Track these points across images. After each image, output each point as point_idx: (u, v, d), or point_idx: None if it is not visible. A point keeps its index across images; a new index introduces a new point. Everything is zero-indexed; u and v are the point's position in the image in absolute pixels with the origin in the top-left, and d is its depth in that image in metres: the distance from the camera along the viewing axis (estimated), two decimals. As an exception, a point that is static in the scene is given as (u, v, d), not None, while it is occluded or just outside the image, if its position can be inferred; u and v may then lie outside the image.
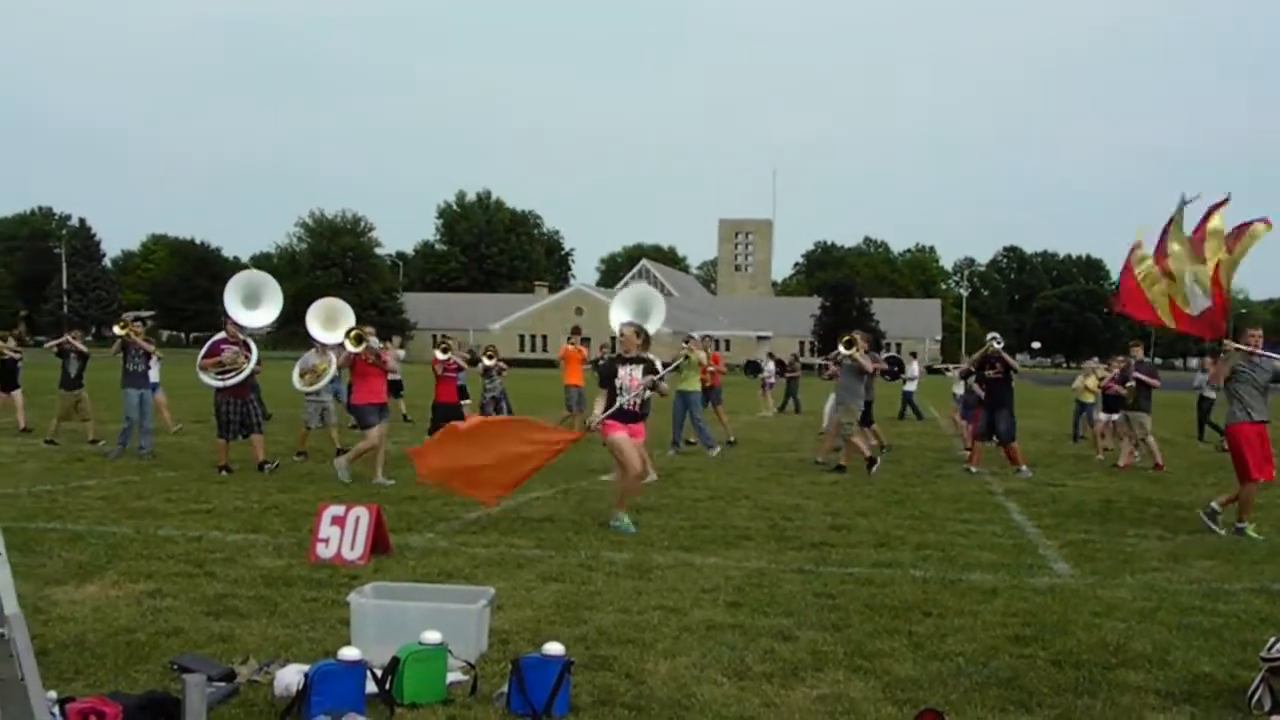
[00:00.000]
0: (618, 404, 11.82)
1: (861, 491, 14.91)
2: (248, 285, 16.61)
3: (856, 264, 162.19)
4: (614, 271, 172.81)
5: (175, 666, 6.01)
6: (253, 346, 15.88)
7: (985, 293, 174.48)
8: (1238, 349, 12.15)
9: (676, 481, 15.56)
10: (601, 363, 13.66)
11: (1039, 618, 7.88)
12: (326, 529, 9.30)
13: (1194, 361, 26.75)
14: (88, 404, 19.69)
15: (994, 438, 17.80)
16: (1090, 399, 23.68)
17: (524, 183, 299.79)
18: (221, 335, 15.97)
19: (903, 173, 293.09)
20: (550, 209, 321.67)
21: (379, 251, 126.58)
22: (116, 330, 17.56)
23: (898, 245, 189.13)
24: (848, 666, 6.55)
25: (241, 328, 16.04)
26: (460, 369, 18.30)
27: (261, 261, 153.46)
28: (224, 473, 15.25)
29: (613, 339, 16.86)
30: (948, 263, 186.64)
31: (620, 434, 11.84)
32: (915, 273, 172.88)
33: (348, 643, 6.10)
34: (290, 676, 5.79)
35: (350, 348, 14.78)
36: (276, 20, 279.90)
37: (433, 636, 5.90)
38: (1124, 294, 12.92)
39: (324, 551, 9.22)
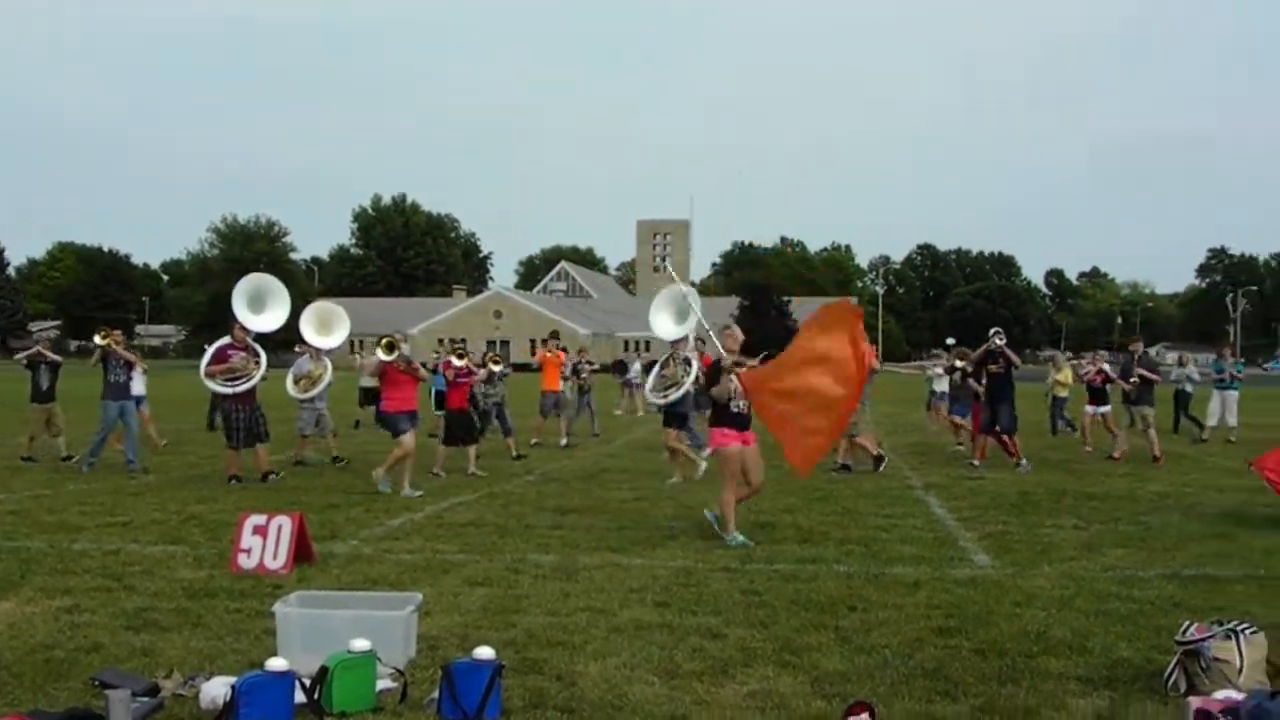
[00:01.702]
0: (730, 409, 11.12)
1: (785, 489, 14.96)
2: (254, 289, 16.18)
3: (774, 264, 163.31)
4: (532, 274, 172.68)
5: (97, 682, 5.92)
6: (261, 352, 15.61)
7: (901, 290, 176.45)
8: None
9: (601, 483, 15.58)
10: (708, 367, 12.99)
11: (961, 609, 8.00)
12: (248, 539, 9.19)
13: (1171, 356, 27.29)
14: (60, 418, 18.71)
15: (995, 430, 18.10)
16: (1064, 393, 24.07)
17: (441, 186, 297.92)
18: (227, 340, 15.67)
19: (818, 173, 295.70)
20: (467, 212, 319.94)
21: (294, 256, 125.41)
22: (97, 340, 16.83)
23: (814, 244, 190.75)
24: (776, 662, 6.61)
25: (249, 332, 15.70)
26: (473, 374, 18.04)
27: (172, 268, 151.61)
28: (234, 482, 14.99)
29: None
30: (864, 261, 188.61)
31: (735, 445, 11.07)
32: (832, 271, 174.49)
33: (274, 653, 6.05)
34: (216, 689, 5.72)
35: (382, 355, 14.49)
36: (188, 20, 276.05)
37: (361, 644, 5.86)
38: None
39: (246, 562, 9.11)
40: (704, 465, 16.01)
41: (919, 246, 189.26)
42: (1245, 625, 6.19)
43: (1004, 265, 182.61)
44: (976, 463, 18.03)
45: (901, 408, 34.88)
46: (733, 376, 11.00)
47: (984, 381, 18.54)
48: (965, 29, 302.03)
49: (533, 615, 7.74)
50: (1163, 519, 12.51)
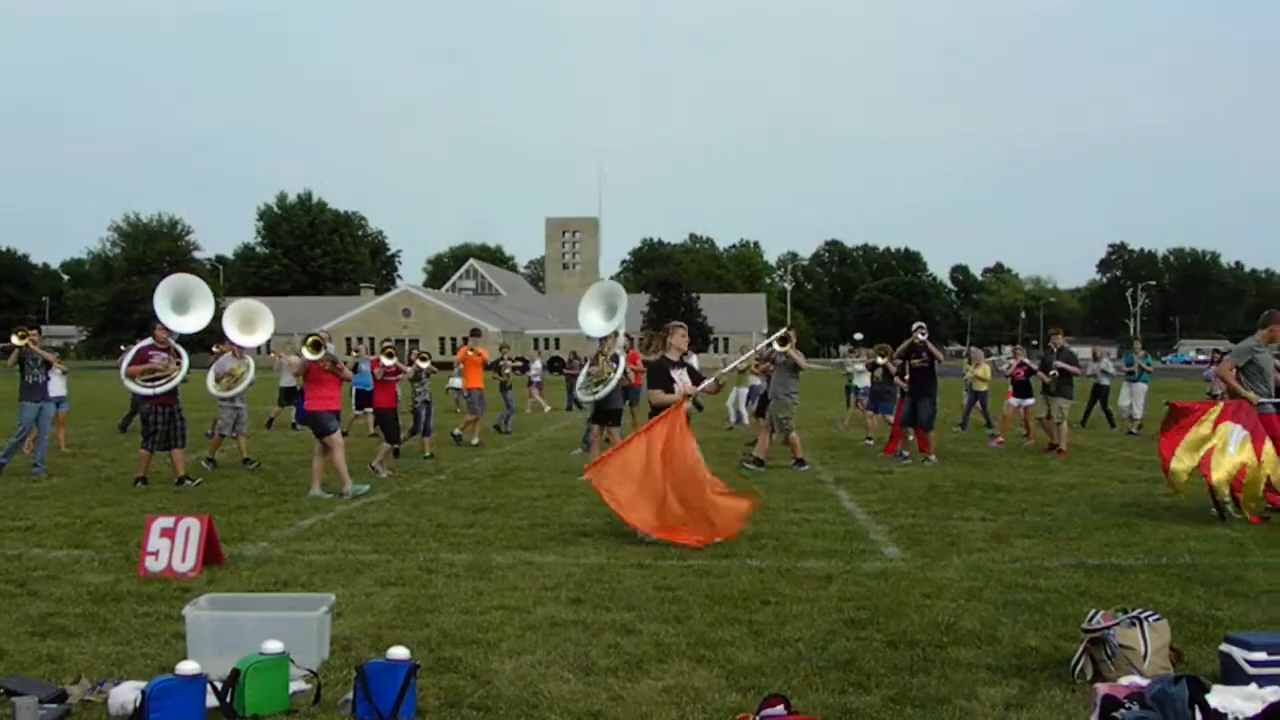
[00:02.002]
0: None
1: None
2: (178, 290, 15.72)
3: (683, 260, 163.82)
4: (441, 272, 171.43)
5: (3, 690, 5.79)
6: (183, 353, 15.31)
7: (809, 286, 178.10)
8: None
9: (513, 481, 15.53)
10: (650, 362, 12.90)
11: (873, 601, 8.09)
12: (155, 542, 9.04)
13: (1085, 351, 27.72)
14: None
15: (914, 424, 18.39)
16: (983, 387, 24.39)
17: (347, 183, 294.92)
18: (149, 341, 15.34)
19: (727, 170, 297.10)
20: (375, 210, 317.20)
21: (198, 255, 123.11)
22: (15, 340, 16.48)
23: (723, 241, 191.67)
24: (691, 657, 6.64)
25: (171, 333, 15.37)
26: (401, 372, 17.84)
27: (73, 267, 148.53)
28: (140, 484, 14.71)
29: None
30: (772, 257, 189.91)
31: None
32: (740, 268, 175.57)
33: (184, 657, 5.95)
34: (126, 694, 5.63)
35: (308, 355, 14.22)
36: (88, 15, 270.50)
37: (274, 646, 5.79)
38: None
39: (154, 565, 8.97)
40: None
41: (827, 243, 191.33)
42: (1149, 613, 6.34)
43: (910, 261, 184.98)
44: (907, 455, 18.19)
45: (816, 402, 35.17)
46: (678, 384, 11.16)
47: (907, 375, 18.77)
48: (873, 28, 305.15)
49: (446, 614, 7.71)
50: (1068, 510, 12.74)
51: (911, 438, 18.61)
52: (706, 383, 11.83)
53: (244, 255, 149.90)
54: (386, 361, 17.01)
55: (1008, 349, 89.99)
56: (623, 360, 16.25)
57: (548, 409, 33.86)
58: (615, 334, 16.66)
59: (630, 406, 22.18)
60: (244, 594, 7.70)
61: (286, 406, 25.70)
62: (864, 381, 25.71)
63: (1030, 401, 21.73)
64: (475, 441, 21.45)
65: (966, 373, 25.61)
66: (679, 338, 11.73)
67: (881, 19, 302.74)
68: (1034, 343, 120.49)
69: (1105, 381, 26.27)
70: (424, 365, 19.76)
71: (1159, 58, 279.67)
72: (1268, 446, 11.75)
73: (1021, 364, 22.29)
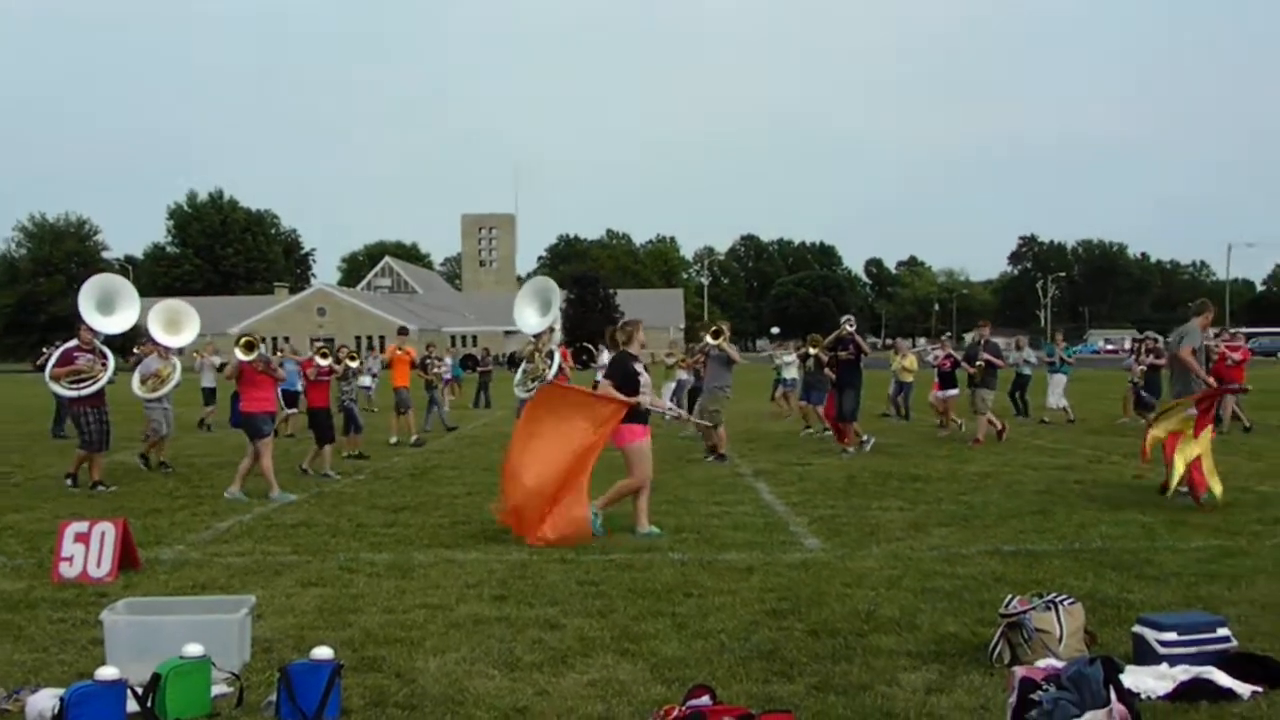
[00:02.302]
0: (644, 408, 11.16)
1: (615, 480, 15.06)
2: (103, 290, 15.54)
3: (600, 256, 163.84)
4: (356, 270, 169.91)
5: (-85, 700, 5.69)
6: (109, 354, 15.07)
7: (725, 281, 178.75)
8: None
9: (432, 480, 15.45)
10: (612, 358, 12.87)
11: (794, 591, 8.17)
12: (70, 547, 8.88)
13: (1003, 342, 27.97)
14: None
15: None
16: (909, 378, 24.61)
17: (259, 182, 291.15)
18: (74, 343, 15.05)
19: (644, 167, 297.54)
20: (288, 208, 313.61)
21: (106, 256, 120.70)
22: None
23: (640, 237, 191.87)
24: (615, 650, 6.66)
25: (96, 334, 15.12)
26: (333, 372, 17.51)
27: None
28: (99, 489, 14.53)
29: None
30: (688, 252, 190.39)
31: (644, 441, 11.17)
32: (657, 263, 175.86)
33: (102, 663, 5.86)
34: (44, 702, 5.54)
35: (241, 355, 13.93)
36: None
37: (194, 649, 5.73)
38: None
39: (68, 570, 8.81)
40: None
41: (742, 238, 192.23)
42: (1063, 597, 6.47)
43: (826, 255, 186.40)
44: (850, 449, 18.30)
45: (741, 394, 35.30)
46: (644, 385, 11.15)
47: (835, 367, 18.95)
48: (794, 29, 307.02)
49: (369, 614, 7.67)
50: (984, 498, 12.93)
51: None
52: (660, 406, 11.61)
53: (154, 255, 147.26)
54: (321, 362, 16.76)
55: (921, 340, 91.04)
56: (557, 356, 16.24)
57: (464, 405, 33.66)
58: (551, 330, 16.66)
59: None
60: (162, 598, 7.61)
61: (210, 406, 25.39)
62: (792, 373, 25.97)
63: (954, 392, 22.04)
64: (393, 440, 21.24)
65: (893, 363, 25.89)
66: (641, 333, 11.65)
67: (795, 18, 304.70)
68: (948, 335, 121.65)
69: (1027, 371, 26.56)
70: (353, 365, 19.52)
71: (1065, 57, 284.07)
72: (1207, 430, 12.03)
73: (949, 355, 22.59)
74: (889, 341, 72.35)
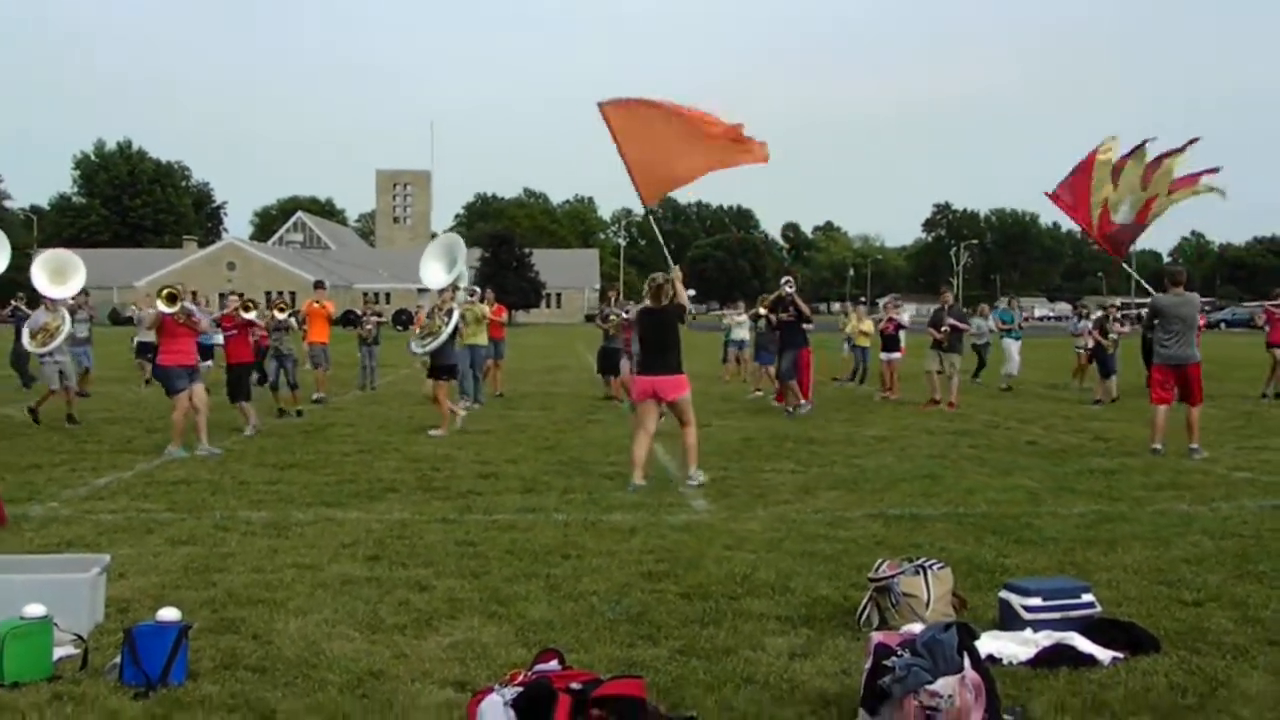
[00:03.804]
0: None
1: (513, 439, 14.97)
2: (53, 262, 16.02)
3: (517, 215, 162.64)
4: (268, 225, 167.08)
5: None
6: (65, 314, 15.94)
7: (643, 242, 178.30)
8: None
9: (325, 437, 15.18)
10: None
11: (673, 553, 8.09)
12: (-71, 502, 8.60)
13: (909, 309, 27.79)
14: None
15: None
16: (867, 343, 24.57)
17: (169, 132, 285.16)
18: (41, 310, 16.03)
19: (562, 125, 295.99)
20: (199, 160, 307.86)
21: (9, 205, 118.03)
22: None
23: (557, 197, 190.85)
24: (483, 612, 6.54)
25: (55, 301, 15.87)
26: (254, 326, 16.79)
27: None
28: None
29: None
30: (606, 213, 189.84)
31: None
32: (574, 223, 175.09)
33: (-58, 622, 5.63)
34: (-127, 663, 5.31)
35: (163, 307, 13.57)
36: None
37: (35, 610, 5.51)
38: (1070, 187, 13.89)
39: (-73, 526, 8.53)
40: (462, 416, 16.25)
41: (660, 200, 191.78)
42: (933, 561, 6.44)
43: (742, 218, 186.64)
44: (792, 409, 18.31)
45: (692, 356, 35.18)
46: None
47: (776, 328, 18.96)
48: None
49: (236, 573, 7.48)
50: (877, 461, 12.96)
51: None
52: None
53: (60, 206, 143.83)
54: (245, 314, 16.24)
55: (836, 305, 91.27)
56: (456, 314, 16.05)
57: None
58: (455, 287, 16.47)
59: (495, 360, 21.96)
60: (14, 556, 7.34)
61: (207, 363, 24.59)
62: (742, 334, 25.93)
63: (897, 355, 22.09)
64: (315, 396, 20.68)
65: (846, 326, 25.80)
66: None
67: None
68: (863, 300, 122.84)
69: (984, 340, 26.28)
70: (281, 316, 18.90)
71: (980, 26, 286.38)
72: None
73: (892, 319, 22.61)
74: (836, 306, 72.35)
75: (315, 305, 22.14)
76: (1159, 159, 14.42)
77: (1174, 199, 14.15)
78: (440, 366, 16.17)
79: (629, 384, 19.14)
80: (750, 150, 11.65)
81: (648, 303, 11.59)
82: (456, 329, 16.28)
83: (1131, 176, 14.19)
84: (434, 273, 16.25)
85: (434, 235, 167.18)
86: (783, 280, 19.20)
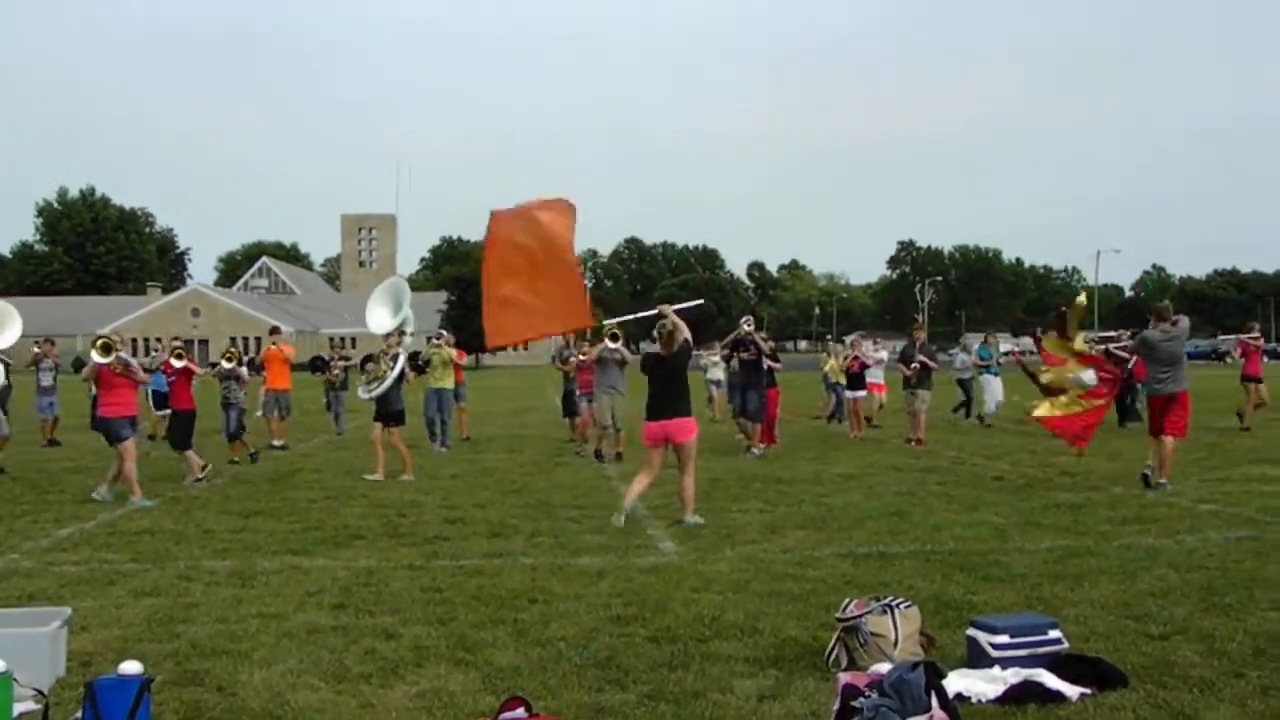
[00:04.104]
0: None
1: (480, 483, 14.92)
2: None
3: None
4: (233, 270, 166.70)
5: None
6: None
7: (609, 283, 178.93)
8: None
9: (292, 484, 15.08)
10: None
11: (641, 596, 8.06)
12: (-112, 557, 8.49)
13: (869, 345, 27.72)
14: None
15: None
16: (843, 380, 24.63)
17: (133, 179, 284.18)
18: None
19: (524, 165, 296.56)
20: (162, 206, 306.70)
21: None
22: None
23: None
24: (450, 660, 6.50)
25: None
26: (192, 374, 16.53)
27: None
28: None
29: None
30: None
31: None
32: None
33: (-97, 679, 5.55)
34: None
35: (97, 358, 13.51)
36: None
37: (-5, 665, 5.44)
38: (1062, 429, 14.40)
39: (-115, 582, 8.42)
40: (376, 477, 15.53)
41: (626, 240, 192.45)
42: (900, 600, 6.44)
43: (708, 258, 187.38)
44: (759, 448, 18.38)
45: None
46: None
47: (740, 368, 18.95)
48: (671, 29, 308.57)
49: (200, 624, 7.41)
50: (844, 500, 12.96)
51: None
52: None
53: (22, 254, 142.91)
54: (176, 363, 16.12)
55: (803, 344, 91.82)
56: (402, 359, 15.95)
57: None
58: (401, 332, 16.37)
59: (457, 404, 21.88)
60: (-25, 611, 7.24)
61: (161, 411, 24.16)
62: (718, 374, 25.97)
63: (861, 394, 22.16)
64: (277, 444, 20.52)
65: (825, 365, 25.90)
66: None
67: (685, 21, 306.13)
68: (829, 337, 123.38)
69: (967, 375, 26.36)
70: (227, 365, 18.70)
71: (943, 63, 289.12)
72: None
73: (856, 358, 22.67)
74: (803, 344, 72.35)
75: (273, 349, 21.94)
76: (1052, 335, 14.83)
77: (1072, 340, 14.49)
78: (388, 413, 15.97)
79: (584, 427, 19.19)
80: (584, 315, 11.52)
81: (659, 350, 11.81)
82: (403, 374, 16.13)
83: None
84: (379, 318, 16.21)
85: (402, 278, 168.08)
86: (742, 320, 19.26)
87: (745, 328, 18.76)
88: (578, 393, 19.86)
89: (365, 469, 16.22)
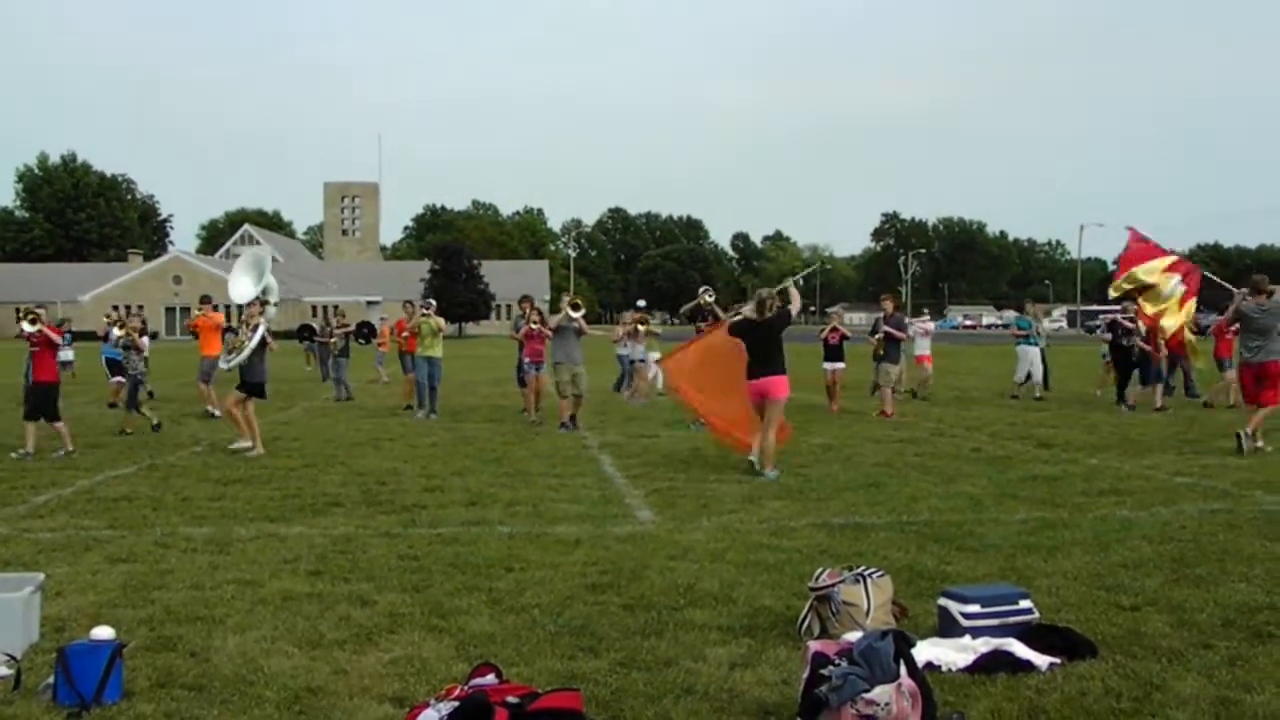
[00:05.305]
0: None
1: (460, 452, 14.92)
2: None
3: (466, 226, 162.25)
4: (215, 238, 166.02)
5: None
6: None
7: (593, 253, 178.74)
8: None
9: (271, 451, 15.02)
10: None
11: (617, 565, 8.08)
12: None
13: (854, 316, 27.77)
14: None
15: None
16: None
17: (114, 144, 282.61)
18: None
19: (511, 137, 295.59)
20: (145, 173, 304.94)
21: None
22: None
23: (507, 208, 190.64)
24: (424, 627, 6.51)
25: None
26: (48, 343, 16.26)
27: None
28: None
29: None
30: (556, 224, 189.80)
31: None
32: (524, 234, 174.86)
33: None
34: None
35: (27, 328, 14.02)
36: None
37: (-35, 630, 5.44)
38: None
39: None
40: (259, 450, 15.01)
41: (610, 210, 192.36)
42: (873, 570, 6.47)
43: (692, 229, 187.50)
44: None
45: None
46: None
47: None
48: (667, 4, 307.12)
49: (175, 591, 7.40)
50: (822, 470, 13.00)
51: None
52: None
53: (2, 219, 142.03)
54: (28, 328, 14.92)
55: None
56: (261, 328, 15.49)
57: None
58: (263, 301, 16.00)
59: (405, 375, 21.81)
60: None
61: (116, 378, 23.98)
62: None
63: (841, 365, 22.06)
64: (213, 411, 20.16)
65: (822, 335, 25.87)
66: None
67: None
68: (811, 309, 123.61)
69: (1042, 344, 24.74)
70: (117, 332, 18.25)
71: (928, 38, 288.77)
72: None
73: (835, 329, 22.61)
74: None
75: (203, 318, 21.73)
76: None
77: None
78: (249, 384, 15.45)
79: (531, 395, 19.24)
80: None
81: (753, 316, 13.01)
82: (264, 343, 15.73)
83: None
84: (242, 286, 15.98)
85: (384, 248, 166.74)
86: (701, 290, 19.18)
87: (706, 298, 18.72)
88: (527, 361, 19.74)
89: (344, 436, 16.20)
